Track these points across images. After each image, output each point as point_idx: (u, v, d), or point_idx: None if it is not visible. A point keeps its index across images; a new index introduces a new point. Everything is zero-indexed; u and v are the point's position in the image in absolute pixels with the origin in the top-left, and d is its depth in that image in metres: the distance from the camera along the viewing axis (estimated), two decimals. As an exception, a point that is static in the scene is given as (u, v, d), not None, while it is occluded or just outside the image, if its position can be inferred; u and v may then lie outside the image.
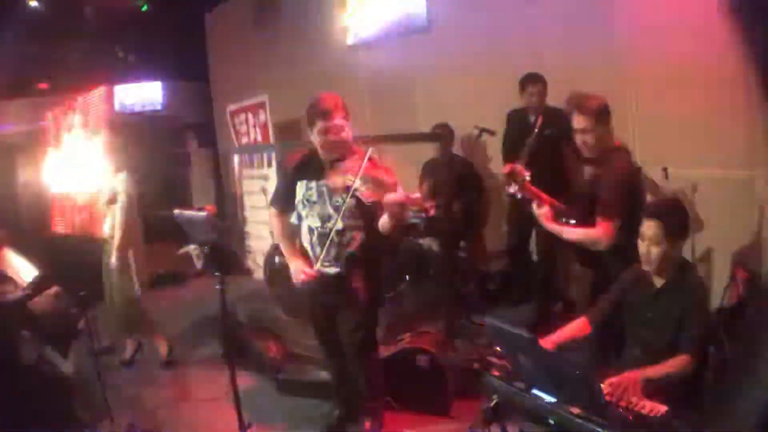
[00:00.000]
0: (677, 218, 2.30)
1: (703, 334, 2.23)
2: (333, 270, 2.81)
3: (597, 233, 2.59)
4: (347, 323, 2.89)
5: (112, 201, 4.16)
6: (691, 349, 2.17)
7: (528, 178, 2.79)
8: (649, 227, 2.27)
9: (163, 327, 5.06)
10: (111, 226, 4.15)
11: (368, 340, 2.95)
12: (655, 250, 2.26)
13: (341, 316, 2.91)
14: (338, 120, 2.67)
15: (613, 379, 2.10)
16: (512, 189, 2.79)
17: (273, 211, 3.05)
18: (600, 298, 2.52)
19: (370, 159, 2.67)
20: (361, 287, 2.83)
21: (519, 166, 2.83)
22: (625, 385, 2.05)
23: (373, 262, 2.90)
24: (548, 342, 2.32)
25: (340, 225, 2.75)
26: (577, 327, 2.44)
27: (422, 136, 4.91)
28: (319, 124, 2.68)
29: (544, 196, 2.81)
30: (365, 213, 2.73)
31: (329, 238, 2.75)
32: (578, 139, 2.71)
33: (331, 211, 2.75)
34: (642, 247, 2.30)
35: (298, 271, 2.82)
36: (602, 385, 2.01)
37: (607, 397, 1.97)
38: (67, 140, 5.92)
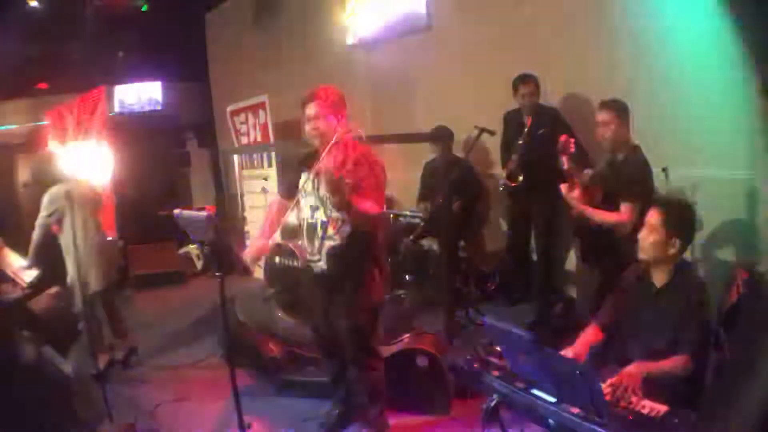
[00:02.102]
0: (679, 214, 2.32)
1: (702, 335, 2.23)
2: (318, 266, 2.79)
3: (623, 215, 2.87)
4: (339, 324, 2.85)
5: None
6: (691, 349, 2.17)
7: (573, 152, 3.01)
8: (650, 215, 2.32)
9: (163, 327, 5.10)
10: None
11: (362, 343, 2.86)
12: (650, 238, 2.29)
13: (334, 316, 2.87)
14: (314, 108, 2.69)
15: (613, 379, 2.10)
16: (564, 159, 3.00)
17: (276, 198, 3.10)
18: (605, 302, 2.53)
19: (348, 148, 2.67)
20: (348, 286, 2.76)
21: (571, 138, 3.02)
22: (625, 383, 2.06)
23: (357, 259, 2.75)
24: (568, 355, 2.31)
25: (323, 216, 2.74)
26: (590, 335, 2.45)
27: (422, 136, 4.92)
28: (304, 111, 2.74)
29: (577, 179, 3.01)
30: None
31: (314, 230, 2.77)
32: (599, 132, 3.02)
33: (318, 201, 2.75)
34: (641, 233, 2.34)
35: (251, 245, 2.87)
36: (602, 385, 2.01)
37: (607, 397, 1.97)
38: (66, 141, 5.90)
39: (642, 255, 2.35)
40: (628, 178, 2.92)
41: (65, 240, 4.02)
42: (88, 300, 4.00)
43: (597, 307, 2.68)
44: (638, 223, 2.58)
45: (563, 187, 3.01)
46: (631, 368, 2.14)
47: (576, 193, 2.98)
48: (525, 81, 4.09)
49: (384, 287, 2.95)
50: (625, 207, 2.87)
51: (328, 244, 2.74)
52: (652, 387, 2.07)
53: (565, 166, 2.99)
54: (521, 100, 4.11)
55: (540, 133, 3.96)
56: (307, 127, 2.74)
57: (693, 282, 2.32)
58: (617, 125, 2.97)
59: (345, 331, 2.83)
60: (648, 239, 2.31)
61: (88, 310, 4.01)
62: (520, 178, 4.00)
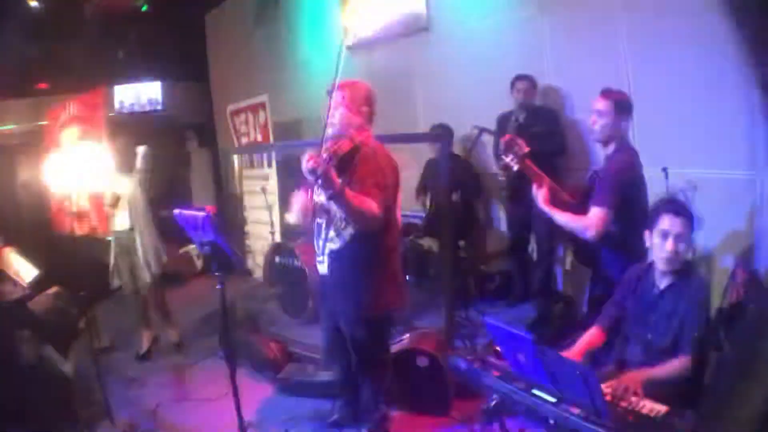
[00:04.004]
0: (692, 217, 2.32)
1: (703, 334, 2.23)
2: (322, 268, 2.74)
3: (587, 221, 2.61)
4: (343, 329, 2.79)
5: (116, 201, 4.35)
6: (692, 350, 2.17)
7: (527, 152, 2.77)
8: (676, 224, 2.25)
9: (163, 327, 5.09)
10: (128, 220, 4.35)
11: (365, 351, 2.77)
12: (681, 247, 2.26)
13: (337, 321, 2.82)
14: (333, 97, 2.59)
15: (614, 381, 2.10)
16: (508, 159, 2.78)
17: None
18: (607, 303, 2.51)
19: (358, 145, 2.57)
20: (351, 291, 2.66)
21: (519, 138, 2.82)
22: (625, 386, 2.06)
23: (360, 264, 2.63)
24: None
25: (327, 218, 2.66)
26: (592, 337, 2.43)
27: (422, 136, 4.92)
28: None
29: (546, 177, 2.79)
30: None
31: (320, 230, 2.70)
32: (594, 119, 2.77)
33: (324, 200, 2.60)
34: (667, 245, 2.26)
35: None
36: (602, 386, 2.01)
37: (608, 398, 1.97)
38: (67, 141, 5.91)
39: (669, 266, 2.29)
40: (604, 180, 2.66)
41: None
42: (149, 285, 4.40)
43: (593, 308, 2.66)
44: (629, 233, 2.52)
45: (534, 186, 2.78)
46: (632, 373, 2.14)
47: (543, 191, 2.74)
48: (522, 78, 4.20)
49: (395, 296, 2.78)
50: (593, 212, 2.60)
51: (330, 246, 2.66)
52: (652, 387, 2.07)
53: (515, 167, 2.78)
54: (516, 95, 4.21)
55: (533, 132, 3.96)
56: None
57: (696, 282, 2.31)
58: (611, 117, 2.71)
59: (348, 338, 2.77)
60: (680, 249, 2.25)
61: (152, 293, 4.49)
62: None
